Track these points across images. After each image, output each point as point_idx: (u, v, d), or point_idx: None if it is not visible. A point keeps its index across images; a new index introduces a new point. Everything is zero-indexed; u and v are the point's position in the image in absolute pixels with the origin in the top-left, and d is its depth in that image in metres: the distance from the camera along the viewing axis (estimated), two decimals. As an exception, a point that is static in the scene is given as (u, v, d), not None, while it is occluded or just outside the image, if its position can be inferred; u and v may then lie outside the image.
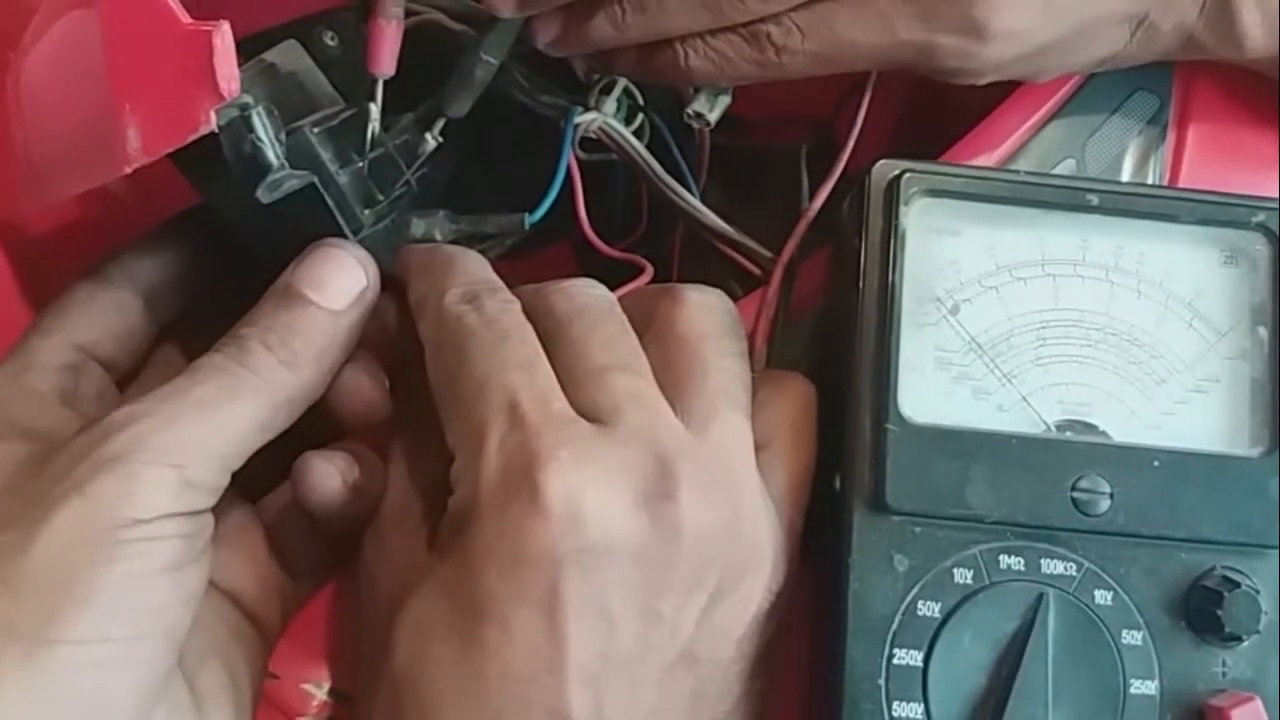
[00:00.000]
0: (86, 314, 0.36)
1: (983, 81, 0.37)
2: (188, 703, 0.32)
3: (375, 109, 0.36)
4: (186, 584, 0.31)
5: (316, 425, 0.34)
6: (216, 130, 0.31)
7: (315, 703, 0.36)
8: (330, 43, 0.37)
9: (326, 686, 0.36)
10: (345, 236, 0.36)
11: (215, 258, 0.38)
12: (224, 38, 0.30)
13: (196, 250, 0.37)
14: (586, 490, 0.30)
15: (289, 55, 0.36)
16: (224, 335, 0.33)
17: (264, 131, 0.33)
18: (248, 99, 0.32)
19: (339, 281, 0.34)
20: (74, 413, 0.34)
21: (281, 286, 0.34)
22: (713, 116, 0.39)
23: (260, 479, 0.35)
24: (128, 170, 0.31)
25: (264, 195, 0.33)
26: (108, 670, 0.29)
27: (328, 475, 0.34)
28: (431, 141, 0.38)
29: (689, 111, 0.40)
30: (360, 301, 0.34)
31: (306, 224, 0.35)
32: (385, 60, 0.36)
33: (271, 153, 0.33)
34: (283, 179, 0.34)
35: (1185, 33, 0.37)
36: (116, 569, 0.29)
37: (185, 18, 0.30)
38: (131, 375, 0.37)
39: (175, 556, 0.30)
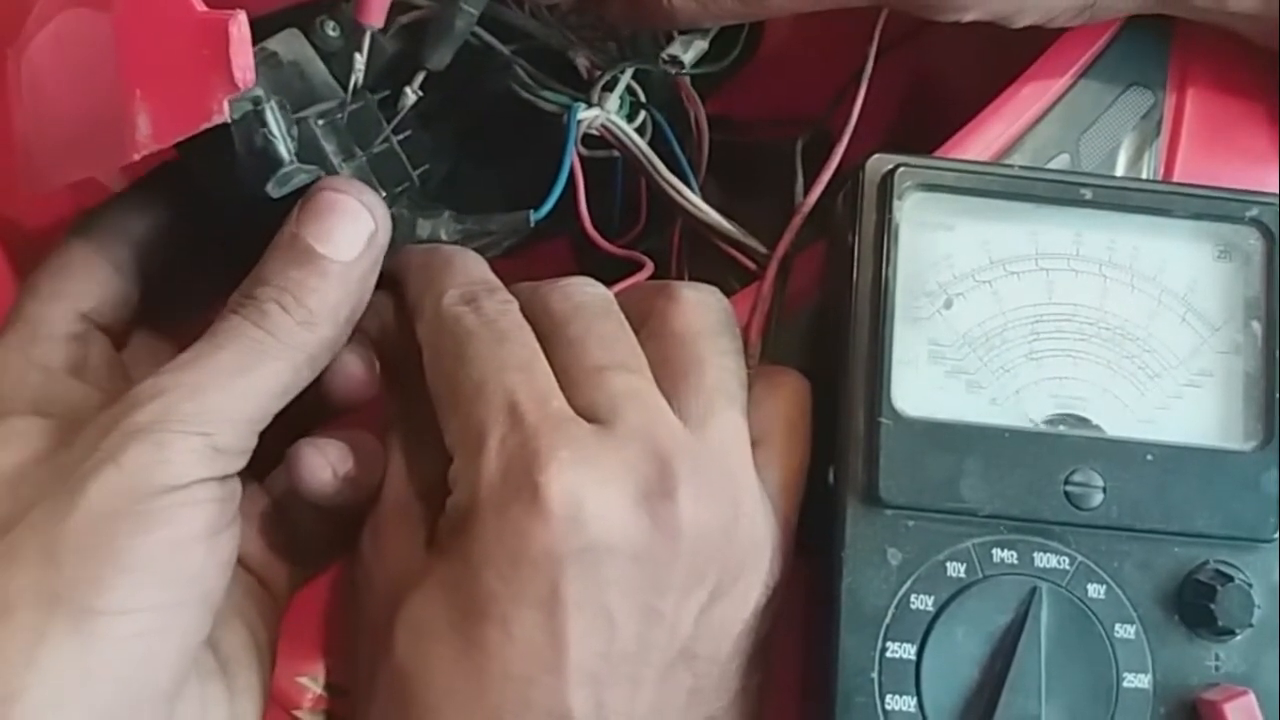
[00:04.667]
0: (88, 279, 0.35)
1: (967, 17, 0.37)
2: (214, 666, 0.32)
3: (360, 59, 0.36)
4: (222, 549, 0.31)
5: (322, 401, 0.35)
6: (229, 122, 0.31)
7: (310, 696, 0.36)
8: (332, 33, 0.37)
9: (322, 680, 0.36)
10: None
11: (200, 211, 0.37)
12: (240, 27, 0.30)
13: (182, 203, 0.37)
14: (587, 490, 0.30)
15: (290, 44, 0.36)
16: (237, 289, 0.33)
17: (277, 126, 0.33)
18: (259, 92, 0.32)
19: (345, 230, 0.33)
20: (86, 385, 0.34)
21: (288, 237, 0.33)
22: (687, 59, 0.40)
23: (264, 455, 0.35)
24: (136, 157, 0.31)
25: (274, 190, 0.33)
26: (150, 638, 0.29)
27: (319, 467, 0.33)
28: (411, 96, 0.37)
29: (664, 56, 0.40)
30: (371, 246, 0.34)
31: None
32: (375, 10, 0.35)
33: (283, 148, 0.33)
34: (293, 173, 0.33)
35: None
36: (154, 535, 0.29)
37: (200, 6, 0.30)
38: (125, 338, 0.37)
39: (210, 521, 0.30)
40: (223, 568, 0.31)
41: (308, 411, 0.34)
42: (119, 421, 0.30)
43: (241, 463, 0.32)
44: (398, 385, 0.36)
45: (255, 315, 0.32)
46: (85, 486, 0.29)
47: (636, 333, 0.34)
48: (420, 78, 0.37)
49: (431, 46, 0.37)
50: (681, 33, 0.40)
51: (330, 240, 0.33)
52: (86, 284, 0.35)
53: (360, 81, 0.36)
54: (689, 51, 0.40)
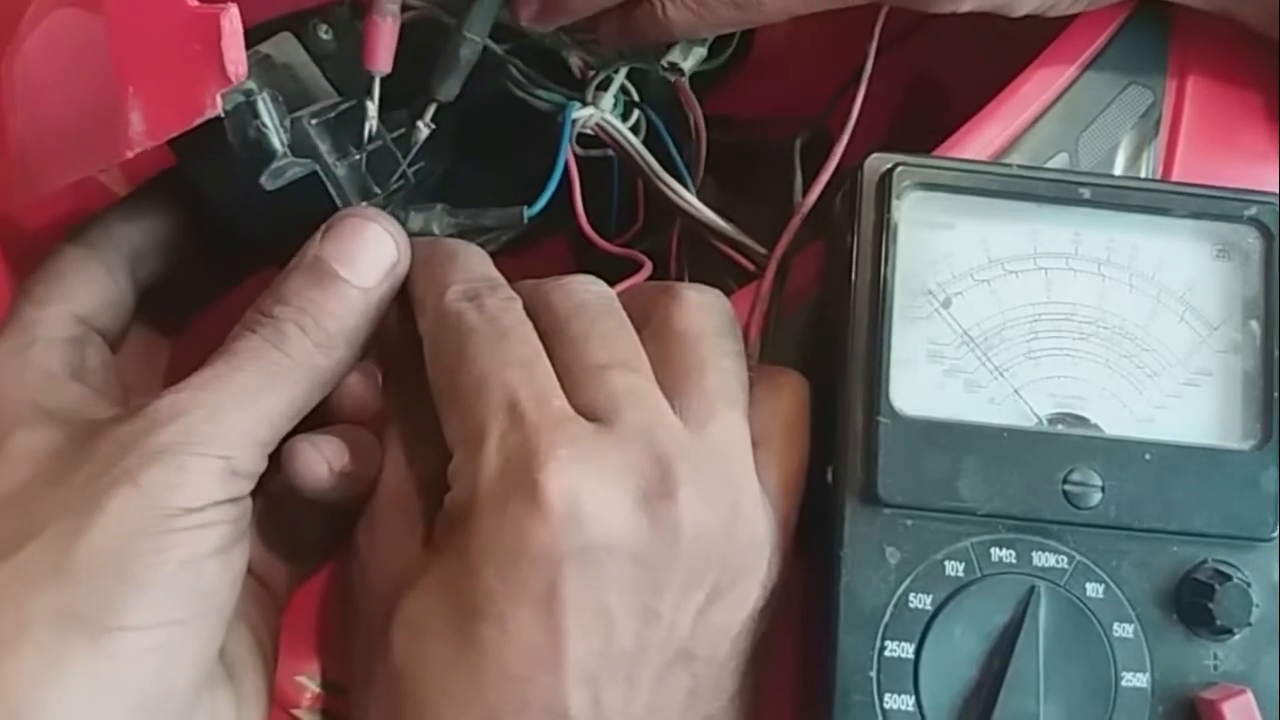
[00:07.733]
0: (83, 283, 0.35)
1: (964, 7, 0.36)
2: (221, 675, 0.33)
3: (372, 106, 0.36)
4: (234, 564, 0.31)
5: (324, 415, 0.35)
6: (222, 115, 0.31)
7: (308, 695, 0.36)
8: (325, 36, 0.37)
9: (320, 679, 0.36)
10: None
11: (194, 220, 0.37)
12: (232, 21, 0.30)
13: (177, 213, 0.37)
14: (586, 489, 0.30)
15: (284, 48, 0.36)
16: (253, 304, 0.33)
17: (269, 118, 0.33)
18: (252, 85, 0.32)
19: (370, 257, 0.34)
20: (87, 388, 0.34)
21: (311, 259, 0.34)
22: (687, 66, 0.39)
23: None
24: (129, 155, 0.31)
25: (268, 182, 0.33)
26: (167, 653, 0.30)
27: (315, 463, 0.33)
28: (424, 130, 0.37)
29: (664, 63, 0.40)
30: (391, 275, 0.34)
31: (303, 212, 0.35)
32: (382, 57, 0.36)
33: (276, 139, 0.33)
34: (286, 166, 0.34)
35: None
36: (171, 555, 0.30)
37: (192, 0, 0.30)
38: (119, 341, 0.37)
39: (223, 540, 0.31)
40: (235, 580, 0.32)
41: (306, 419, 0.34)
42: (139, 440, 0.30)
43: (252, 484, 0.32)
44: (397, 380, 0.36)
45: (274, 336, 0.32)
46: (103, 504, 0.29)
47: (638, 332, 0.34)
48: (431, 110, 0.38)
49: (440, 79, 0.37)
50: None
51: (354, 265, 0.33)
52: (81, 288, 0.35)
53: (374, 128, 0.36)
54: (688, 58, 0.39)
